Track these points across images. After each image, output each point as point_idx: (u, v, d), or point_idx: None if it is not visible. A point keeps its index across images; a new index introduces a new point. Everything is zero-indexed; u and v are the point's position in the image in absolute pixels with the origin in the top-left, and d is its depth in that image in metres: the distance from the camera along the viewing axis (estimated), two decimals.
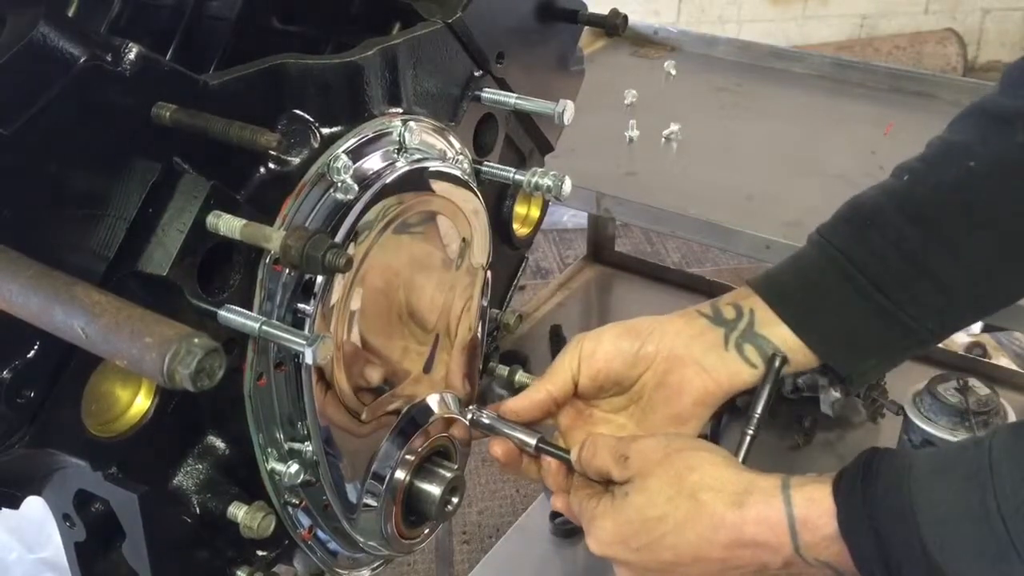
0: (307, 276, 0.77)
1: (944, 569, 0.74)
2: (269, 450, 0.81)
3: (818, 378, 1.64)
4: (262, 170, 0.75)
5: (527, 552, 1.63)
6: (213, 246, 0.71)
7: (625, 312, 2.09)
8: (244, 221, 0.69)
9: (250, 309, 0.75)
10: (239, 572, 0.83)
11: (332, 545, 0.90)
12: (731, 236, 1.48)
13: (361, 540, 0.89)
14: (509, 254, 1.08)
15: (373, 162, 0.81)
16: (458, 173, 0.87)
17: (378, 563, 0.97)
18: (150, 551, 0.76)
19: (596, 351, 0.96)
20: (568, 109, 0.89)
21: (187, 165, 0.69)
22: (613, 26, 1.03)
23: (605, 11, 1.03)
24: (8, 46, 0.61)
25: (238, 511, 0.79)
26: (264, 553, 0.85)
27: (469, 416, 0.96)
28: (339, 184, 0.77)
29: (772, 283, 0.97)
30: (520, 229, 1.07)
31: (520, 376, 1.05)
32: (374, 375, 0.85)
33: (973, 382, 1.44)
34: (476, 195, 0.90)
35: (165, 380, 0.53)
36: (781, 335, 0.95)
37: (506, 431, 0.96)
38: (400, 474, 0.89)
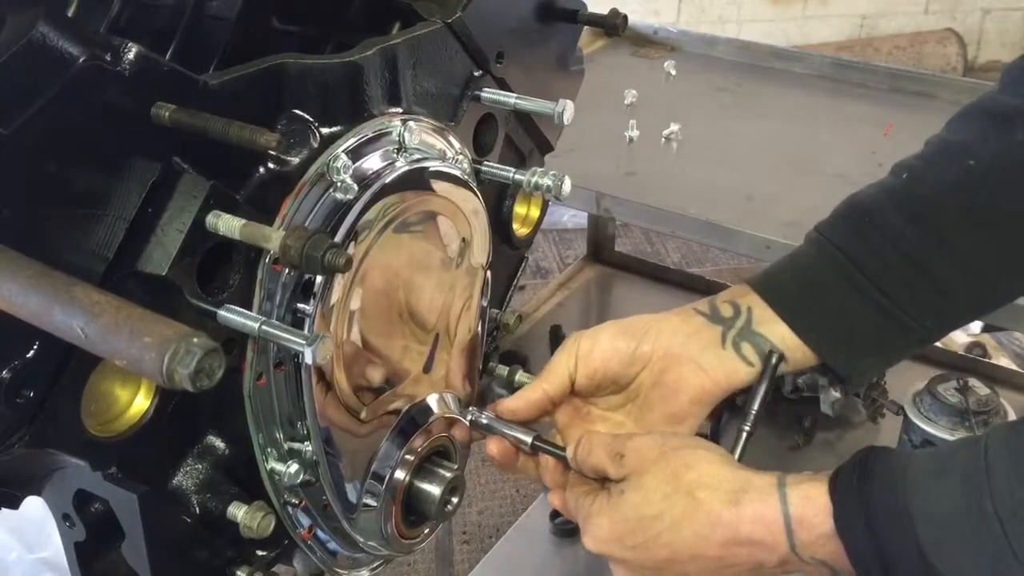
0: (307, 276, 0.76)
1: (940, 570, 0.74)
2: (269, 450, 0.81)
3: (818, 378, 1.64)
4: (261, 170, 0.75)
5: (527, 552, 1.64)
6: (212, 246, 0.71)
7: (625, 312, 2.08)
8: (243, 221, 0.69)
9: (250, 309, 0.75)
10: (239, 572, 0.83)
11: (332, 545, 0.90)
12: (731, 236, 1.48)
13: (361, 540, 0.89)
14: (509, 254, 1.08)
15: (373, 162, 0.81)
16: (458, 173, 0.87)
17: (378, 563, 0.97)
18: (150, 551, 0.76)
19: (593, 350, 0.95)
20: (568, 109, 0.89)
21: (187, 165, 0.69)
22: (613, 26, 1.03)
23: (605, 11, 1.03)
24: (8, 46, 0.61)
25: (238, 511, 0.79)
26: (264, 553, 0.85)
27: (468, 417, 0.96)
28: (338, 184, 0.77)
29: (770, 281, 0.97)
30: (520, 229, 1.07)
31: (520, 376, 1.05)
32: (374, 375, 0.85)
33: (973, 382, 1.44)
34: (476, 195, 0.90)
35: (164, 380, 0.53)
36: (779, 333, 0.94)
37: (503, 430, 0.96)
38: (400, 474, 0.89)
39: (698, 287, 2.04)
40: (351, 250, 0.78)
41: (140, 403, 0.74)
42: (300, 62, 0.76)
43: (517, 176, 0.92)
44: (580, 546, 0.91)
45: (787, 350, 0.94)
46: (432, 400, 0.92)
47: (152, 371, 0.53)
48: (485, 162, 0.95)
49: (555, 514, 1.93)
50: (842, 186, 1.59)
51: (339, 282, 0.78)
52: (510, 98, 0.91)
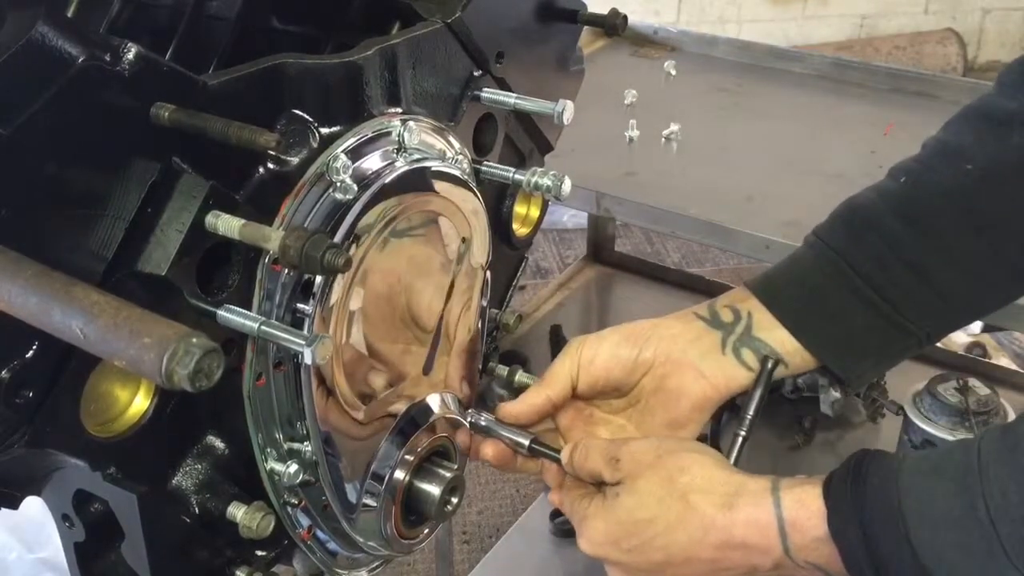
0: (306, 276, 0.76)
1: (933, 572, 0.74)
2: (268, 450, 0.81)
3: (818, 378, 1.64)
4: (261, 170, 0.75)
5: (527, 552, 1.63)
6: (212, 246, 0.71)
7: (625, 312, 2.10)
8: (243, 221, 0.69)
9: (249, 309, 0.74)
10: (238, 572, 0.83)
11: (331, 545, 0.90)
12: (731, 236, 1.48)
13: (360, 540, 0.89)
14: (509, 254, 1.08)
15: (372, 162, 0.81)
16: (457, 173, 0.87)
17: (377, 563, 0.97)
18: (149, 551, 0.76)
19: (595, 359, 0.96)
20: (568, 109, 0.89)
21: (186, 165, 0.69)
22: (613, 26, 1.03)
23: (605, 11, 1.03)
24: (7, 46, 0.61)
25: (237, 511, 0.79)
26: (263, 553, 0.85)
27: (468, 419, 0.96)
28: (338, 184, 0.77)
29: (770, 286, 0.97)
30: (520, 229, 1.07)
31: (520, 376, 1.05)
32: (373, 375, 0.85)
33: (973, 382, 1.44)
34: (475, 195, 0.90)
35: (163, 380, 0.53)
36: (779, 338, 0.95)
37: (502, 433, 0.96)
38: (399, 474, 0.89)
39: (698, 287, 2.04)
40: (350, 250, 0.77)
41: (139, 403, 0.74)
42: (300, 62, 0.76)
43: (517, 176, 0.92)
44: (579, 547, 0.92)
45: (786, 354, 0.95)
46: (432, 400, 0.92)
47: (151, 371, 0.53)
48: (485, 162, 0.95)
49: (555, 514, 1.93)
50: (842, 186, 1.59)
51: (339, 282, 0.78)
52: (510, 98, 0.91)
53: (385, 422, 0.88)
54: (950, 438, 1.39)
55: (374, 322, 0.83)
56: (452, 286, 0.91)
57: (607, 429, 0.98)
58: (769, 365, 0.94)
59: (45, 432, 0.67)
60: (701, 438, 1.00)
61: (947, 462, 0.77)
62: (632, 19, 1.22)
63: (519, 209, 1.06)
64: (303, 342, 0.70)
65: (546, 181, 0.91)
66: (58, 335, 0.57)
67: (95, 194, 0.66)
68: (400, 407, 0.89)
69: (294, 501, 0.84)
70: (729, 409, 1.48)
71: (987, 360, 2.37)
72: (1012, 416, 1.43)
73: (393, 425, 0.88)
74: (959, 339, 2.68)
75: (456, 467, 0.92)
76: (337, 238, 0.77)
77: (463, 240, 0.90)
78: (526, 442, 0.95)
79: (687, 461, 0.85)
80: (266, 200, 0.75)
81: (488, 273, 0.96)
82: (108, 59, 0.64)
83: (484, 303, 0.97)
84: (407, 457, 0.89)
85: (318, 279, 0.76)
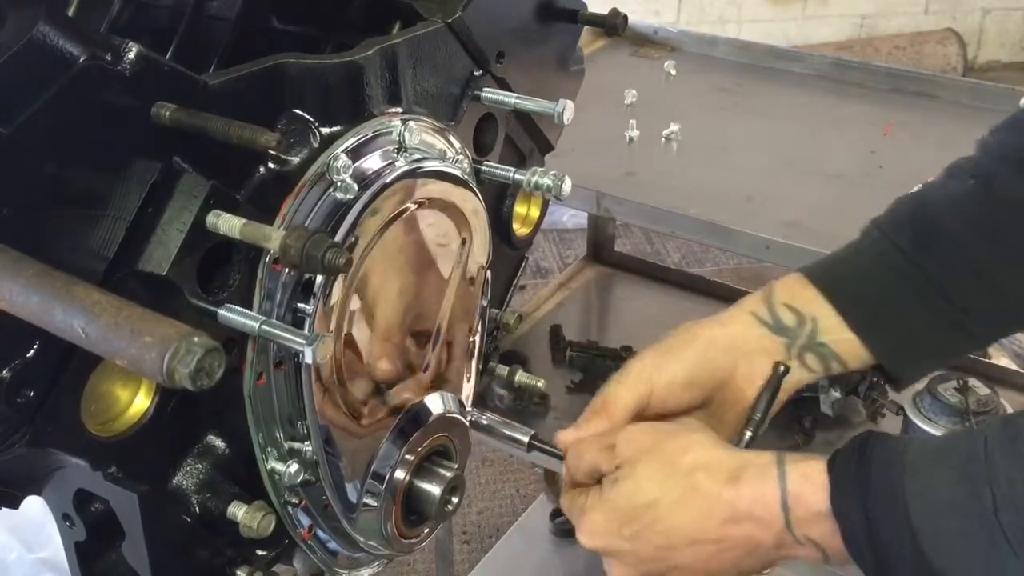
0: (307, 275, 0.76)
1: (931, 556, 0.74)
2: (269, 449, 0.81)
3: (818, 378, 1.63)
4: (262, 170, 0.75)
5: (527, 552, 1.64)
6: (213, 246, 0.71)
7: (625, 312, 2.10)
8: (244, 220, 0.69)
9: (250, 308, 0.75)
10: (239, 571, 0.83)
11: (332, 544, 0.90)
12: (731, 236, 1.48)
13: (361, 540, 0.89)
14: (509, 254, 1.08)
15: (373, 162, 0.81)
16: (458, 173, 0.87)
17: (378, 563, 0.97)
18: (150, 551, 0.76)
19: (670, 390, 0.93)
20: (568, 109, 0.89)
21: (187, 165, 0.70)
22: (613, 26, 1.03)
23: (605, 11, 1.03)
24: (8, 45, 0.61)
25: (238, 510, 0.79)
26: (264, 552, 0.85)
27: (469, 417, 0.96)
28: (338, 184, 0.77)
29: (836, 283, 0.96)
30: (520, 229, 1.07)
31: (520, 376, 1.05)
32: (374, 375, 0.85)
33: (973, 382, 1.44)
34: (476, 195, 0.90)
35: (165, 379, 0.53)
36: (842, 340, 0.94)
37: (502, 430, 0.96)
38: (400, 474, 0.89)
39: (698, 287, 2.04)
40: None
41: (140, 403, 0.74)
42: (300, 62, 0.76)
43: (517, 176, 0.92)
44: (580, 546, 0.91)
45: (845, 354, 0.95)
46: (432, 400, 0.92)
47: (152, 370, 0.53)
48: (485, 162, 0.95)
49: (555, 514, 1.93)
50: (842, 186, 1.60)
51: (339, 282, 0.78)
52: (510, 98, 0.91)
53: (386, 421, 0.88)
54: None
55: (374, 321, 0.83)
56: (452, 286, 0.91)
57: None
58: (780, 370, 0.94)
59: (46, 431, 0.67)
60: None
61: (952, 449, 0.78)
62: (632, 19, 1.22)
63: (519, 209, 1.06)
64: (304, 341, 0.70)
65: (546, 181, 0.91)
66: (59, 334, 0.57)
67: (96, 194, 0.66)
68: (400, 406, 0.89)
69: (295, 500, 0.84)
70: None
71: (987, 360, 2.37)
72: None
73: (393, 425, 0.88)
74: None
75: (456, 467, 0.92)
76: (337, 238, 0.77)
77: (463, 240, 0.90)
78: (526, 439, 0.95)
79: (688, 442, 0.85)
80: (267, 200, 0.75)
81: (488, 273, 0.96)
82: (109, 59, 0.64)
83: (484, 303, 0.97)
84: (407, 457, 0.89)
85: (319, 279, 0.76)
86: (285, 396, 0.80)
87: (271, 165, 0.75)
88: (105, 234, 0.67)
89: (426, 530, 0.94)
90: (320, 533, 0.88)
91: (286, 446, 0.82)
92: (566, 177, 0.91)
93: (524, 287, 3.15)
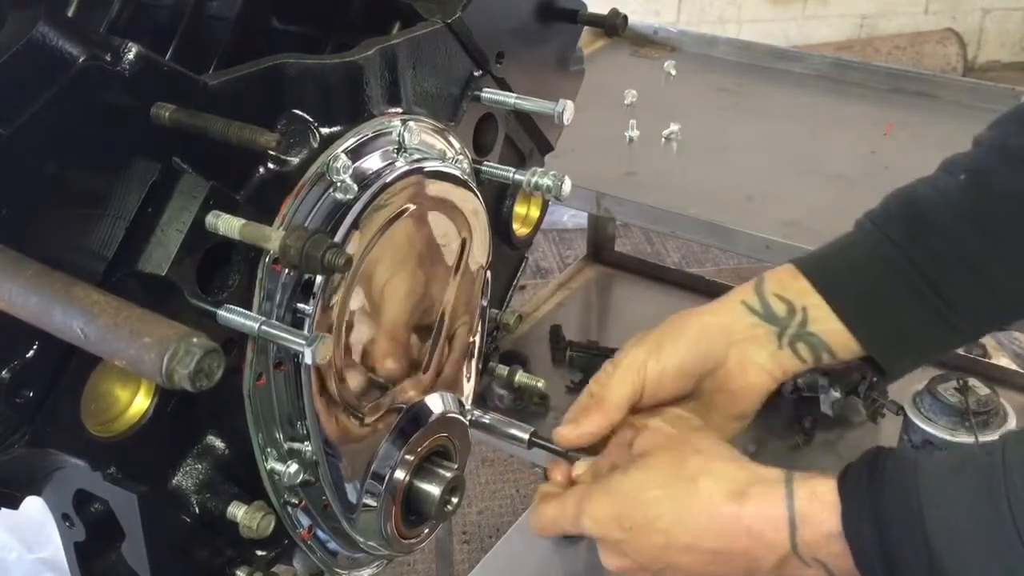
0: (306, 276, 0.76)
1: (948, 573, 0.73)
2: (268, 450, 0.81)
3: (818, 378, 1.63)
4: (261, 170, 0.75)
5: (527, 552, 1.63)
6: (212, 246, 0.71)
7: (625, 312, 2.10)
8: (243, 221, 0.69)
9: (249, 309, 0.75)
10: (238, 572, 0.83)
11: (332, 545, 0.90)
12: (731, 236, 1.48)
13: (361, 540, 0.89)
14: (509, 254, 1.08)
15: (372, 162, 0.81)
16: (458, 173, 0.87)
17: (378, 563, 0.97)
18: (149, 551, 0.76)
19: (663, 380, 0.94)
20: (568, 109, 0.89)
21: (186, 165, 0.69)
22: (613, 26, 1.03)
23: (605, 11, 1.03)
24: (8, 46, 0.61)
25: (237, 511, 0.79)
26: (263, 553, 0.85)
27: (469, 417, 0.96)
28: (338, 184, 0.77)
29: (827, 274, 0.96)
30: (520, 229, 1.07)
31: (520, 376, 1.05)
32: (374, 374, 0.85)
33: (973, 382, 1.43)
34: (476, 195, 0.90)
35: (164, 380, 0.53)
36: (833, 331, 0.94)
37: (502, 428, 0.96)
38: (400, 474, 0.89)
39: (698, 287, 2.04)
40: (350, 250, 0.77)
41: (140, 403, 0.74)
42: (300, 62, 0.76)
43: (517, 176, 0.92)
44: (580, 546, 0.91)
45: (835, 345, 0.95)
46: (432, 400, 0.92)
47: (152, 371, 0.53)
48: (485, 162, 0.95)
49: None
50: (842, 186, 1.60)
51: (339, 282, 0.78)
52: (510, 98, 0.91)
53: (385, 421, 0.88)
54: (950, 438, 1.39)
55: (374, 321, 0.83)
56: (452, 285, 0.91)
57: (663, 419, 0.97)
58: None
59: (45, 432, 0.67)
60: None
61: (969, 462, 0.77)
62: (632, 19, 1.22)
63: (519, 209, 1.06)
64: (303, 342, 0.70)
65: (546, 181, 0.91)
66: (59, 335, 0.57)
67: (96, 194, 0.66)
68: (400, 406, 0.89)
69: (294, 501, 0.84)
70: None
71: (987, 360, 2.37)
72: (1012, 416, 1.42)
73: (393, 425, 0.88)
74: None
75: (456, 467, 0.92)
76: (337, 238, 0.77)
77: (463, 240, 0.90)
78: (526, 436, 0.95)
79: (702, 443, 0.85)
80: (266, 200, 0.75)
81: (488, 273, 0.96)
82: (108, 59, 0.64)
83: (484, 303, 0.97)
84: (407, 457, 0.89)
85: (318, 279, 0.76)
86: (285, 396, 0.80)
87: (271, 165, 0.75)
88: (104, 234, 0.67)
89: (426, 530, 0.94)
90: (320, 533, 0.88)
91: (286, 446, 0.82)
92: (566, 177, 0.91)
93: (524, 287, 3.15)
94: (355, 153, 0.79)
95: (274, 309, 0.76)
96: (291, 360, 0.79)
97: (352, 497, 0.86)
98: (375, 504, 0.88)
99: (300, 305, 0.77)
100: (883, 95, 1.91)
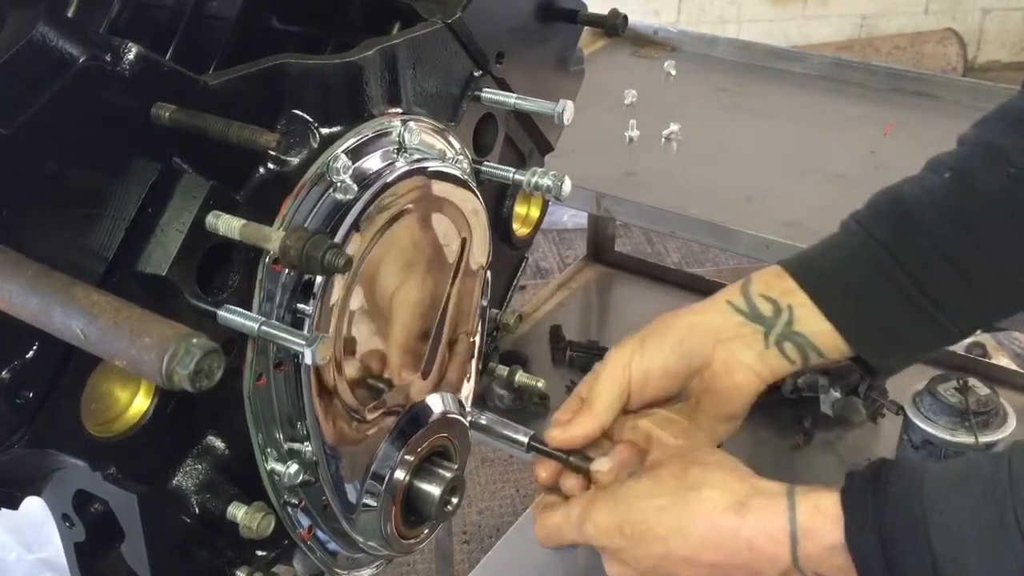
0: (306, 276, 0.76)
1: None
2: (268, 450, 0.81)
3: (818, 378, 1.64)
4: (261, 170, 0.75)
5: (527, 552, 1.63)
6: (212, 246, 0.71)
7: (625, 312, 2.10)
8: (243, 221, 0.69)
9: (249, 309, 0.74)
10: (238, 572, 0.83)
11: (331, 545, 0.90)
12: (731, 236, 1.48)
13: (361, 540, 0.89)
14: (509, 254, 1.08)
15: (373, 162, 0.81)
16: (458, 173, 0.87)
17: (378, 563, 0.97)
18: (149, 551, 0.76)
19: (648, 380, 0.94)
20: (568, 109, 0.89)
21: (187, 165, 0.69)
22: (613, 26, 1.03)
23: (605, 11, 1.03)
24: (8, 46, 0.61)
25: (237, 511, 0.79)
26: (263, 553, 0.85)
27: (468, 417, 0.96)
28: (338, 184, 0.77)
29: (813, 274, 0.96)
30: (520, 229, 1.07)
31: (520, 376, 1.05)
32: (374, 375, 0.85)
33: (973, 382, 1.44)
34: (476, 195, 0.90)
35: (164, 380, 0.53)
36: (819, 330, 0.94)
37: (501, 431, 0.96)
38: (400, 474, 0.88)
39: (698, 287, 2.04)
40: (350, 250, 0.77)
41: (140, 403, 0.74)
42: (300, 62, 0.76)
43: (517, 176, 0.92)
44: (580, 547, 0.91)
45: (823, 345, 0.95)
46: (432, 400, 0.92)
47: (152, 372, 0.53)
48: (485, 162, 0.95)
49: None
50: (842, 186, 1.60)
51: (339, 282, 0.78)
52: (510, 98, 0.91)
53: (385, 421, 0.88)
54: (950, 438, 1.39)
55: (374, 321, 0.83)
56: (452, 286, 0.91)
57: (652, 420, 0.97)
58: None
59: (46, 432, 0.67)
60: None
61: (974, 473, 0.76)
62: (632, 19, 1.22)
63: (519, 209, 1.06)
64: (303, 342, 0.70)
65: (546, 181, 0.91)
66: (58, 335, 0.57)
67: (95, 194, 0.66)
68: (400, 406, 0.89)
69: (294, 501, 0.84)
70: None
71: (987, 360, 2.37)
72: (1012, 416, 1.43)
73: (393, 425, 0.88)
74: None
75: (456, 467, 0.92)
76: (337, 238, 0.77)
77: (463, 240, 0.90)
78: (525, 439, 0.95)
79: (709, 457, 0.86)
80: (266, 200, 0.75)
81: (488, 273, 0.96)
82: (108, 59, 0.63)
83: (484, 303, 0.97)
84: (407, 457, 0.89)
85: (318, 279, 0.76)
86: (285, 397, 0.80)
87: (271, 165, 0.75)
88: (104, 235, 0.66)
89: (426, 531, 0.94)
90: (320, 534, 0.88)
91: (286, 447, 0.82)
92: (566, 177, 0.91)
93: (524, 287, 3.15)
94: (355, 153, 0.79)
95: (274, 309, 0.76)
96: (291, 360, 0.79)
97: (352, 497, 0.86)
98: (375, 504, 0.88)
99: (300, 305, 0.77)
100: (883, 95, 1.91)
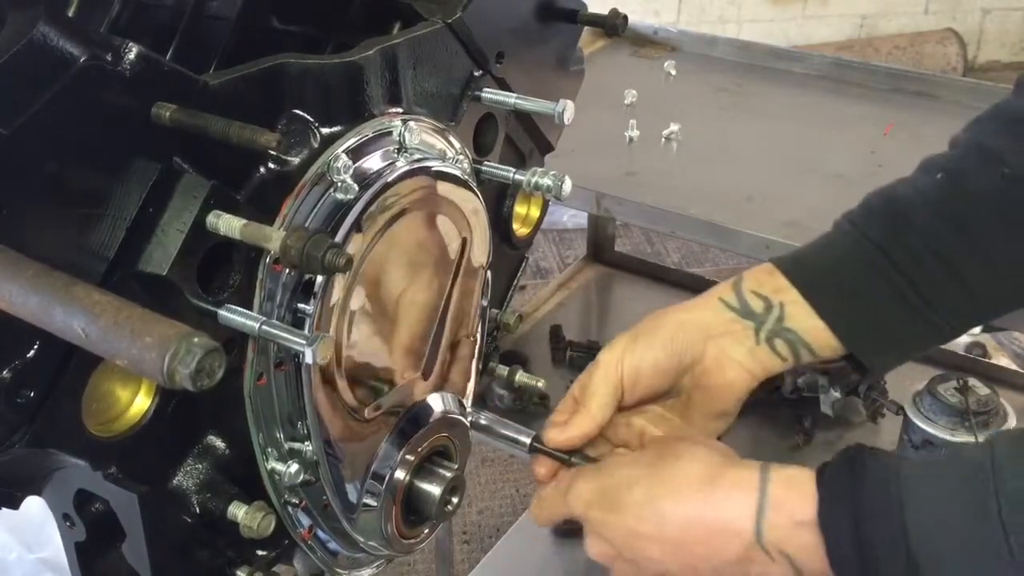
0: (307, 276, 0.76)
1: (922, 566, 0.71)
2: (269, 450, 0.81)
3: (818, 378, 1.64)
4: (262, 170, 0.75)
5: (527, 552, 1.63)
6: (213, 246, 0.71)
7: (625, 312, 2.10)
8: (244, 221, 0.69)
9: (250, 309, 0.75)
10: (239, 572, 0.83)
11: (332, 545, 0.90)
12: (731, 236, 1.48)
13: (361, 540, 0.89)
14: (509, 254, 1.08)
15: (373, 162, 0.81)
16: (458, 173, 0.87)
17: (378, 563, 0.97)
18: (150, 551, 0.76)
19: (639, 377, 0.94)
20: (568, 109, 0.89)
21: (187, 165, 0.69)
22: (613, 26, 1.03)
23: (605, 11, 1.03)
24: (8, 46, 0.61)
25: (238, 511, 0.79)
26: (264, 553, 0.85)
27: (469, 417, 0.96)
28: (339, 184, 0.77)
29: (805, 271, 0.96)
30: (520, 229, 1.07)
31: (520, 376, 1.05)
32: (374, 375, 0.85)
33: (973, 382, 1.44)
34: (476, 195, 0.90)
35: (165, 380, 0.53)
36: (811, 327, 0.94)
37: (502, 431, 0.96)
38: (400, 474, 0.89)
39: (698, 287, 2.03)
40: (351, 250, 0.77)
41: (140, 403, 0.74)
42: (300, 62, 0.76)
43: (517, 176, 0.92)
44: (580, 546, 0.91)
45: (815, 342, 0.95)
46: (432, 400, 0.92)
47: (153, 371, 0.53)
48: (485, 162, 0.95)
49: None
50: (842, 186, 1.60)
51: (339, 282, 0.78)
52: (510, 98, 0.91)
53: (386, 421, 0.88)
54: (950, 438, 1.39)
55: (374, 321, 0.83)
56: (452, 286, 0.91)
57: (644, 417, 0.97)
58: None
59: (46, 432, 0.67)
60: None
61: (955, 459, 0.76)
62: (632, 19, 1.22)
63: (519, 209, 1.06)
64: (304, 342, 0.70)
65: (546, 181, 0.91)
66: (59, 335, 0.57)
67: (96, 194, 0.66)
68: (401, 406, 0.89)
69: (295, 501, 0.84)
70: None
71: (987, 360, 2.37)
72: (1012, 416, 1.43)
73: (394, 425, 0.88)
74: (959, 339, 2.68)
75: (456, 467, 0.92)
76: (338, 238, 0.77)
77: (463, 240, 0.90)
78: (527, 440, 0.95)
79: (691, 438, 0.86)
80: (267, 200, 0.75)
81: (488, 273, 0.96)
82: (109, 59, 0.64)
83: (484, 303, 0.97)
84: (408, 457, 0.89)
85: (319, 279, 0.76)
86: (285, 396, 0.80)
87: (271, 165, 0.75)
88: (105, 234, 0.67)
89: (426, 530, 0.94)
90: (320, 533, 0.88)
91: (286, 446, 0.82)
92: (566, 177, 0.91)
93: (524, 287, 3.15)
94: (356, 153, 0.79)
95: (275, 309, 0.76)
96: (292, 360, 0.79)
97: (352, 497, 0.86)
98: (375, 504, 0.88)
99: (301, 305, 0.77)
100: (883, 95, 1.91)
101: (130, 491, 0.73)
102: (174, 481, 0.79)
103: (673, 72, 1.99)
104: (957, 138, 1.02)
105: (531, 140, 1.05)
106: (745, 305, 0.96)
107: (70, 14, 0.87)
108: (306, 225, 0.76)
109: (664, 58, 2.04)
